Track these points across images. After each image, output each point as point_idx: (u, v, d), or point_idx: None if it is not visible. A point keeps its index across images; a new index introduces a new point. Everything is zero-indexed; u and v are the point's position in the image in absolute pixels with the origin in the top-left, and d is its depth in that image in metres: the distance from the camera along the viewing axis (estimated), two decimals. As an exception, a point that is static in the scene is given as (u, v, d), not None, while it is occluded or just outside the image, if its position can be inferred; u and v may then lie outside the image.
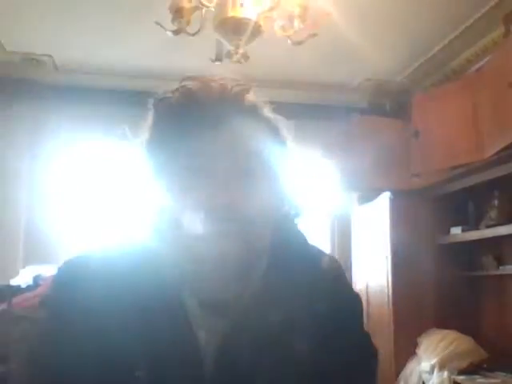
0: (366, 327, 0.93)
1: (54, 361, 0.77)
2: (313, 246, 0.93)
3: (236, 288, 0.79)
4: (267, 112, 0.86)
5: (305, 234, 0.92)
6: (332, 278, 0.89)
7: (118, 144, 3.99)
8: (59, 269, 0.84)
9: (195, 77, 0.85)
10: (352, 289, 0.95)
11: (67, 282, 0.82)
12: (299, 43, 2.82)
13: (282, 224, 0.86)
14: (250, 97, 0.85)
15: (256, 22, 2.64)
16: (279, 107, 0.88)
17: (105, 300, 0.77)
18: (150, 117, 0.84)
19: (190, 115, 0.79)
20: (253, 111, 0.84)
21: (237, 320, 0.80)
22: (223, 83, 0.83)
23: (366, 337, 0.92)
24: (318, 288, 0.84)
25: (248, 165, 0.80)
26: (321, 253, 0.92)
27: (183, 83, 0.83)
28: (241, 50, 2.68)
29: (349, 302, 0.90)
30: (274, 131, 0.86)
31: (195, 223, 0.75)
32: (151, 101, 0.84)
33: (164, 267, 0.79)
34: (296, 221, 0.91)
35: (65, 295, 0.81)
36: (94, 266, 0.81)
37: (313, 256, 0.90)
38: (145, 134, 0.83)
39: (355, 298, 0.93)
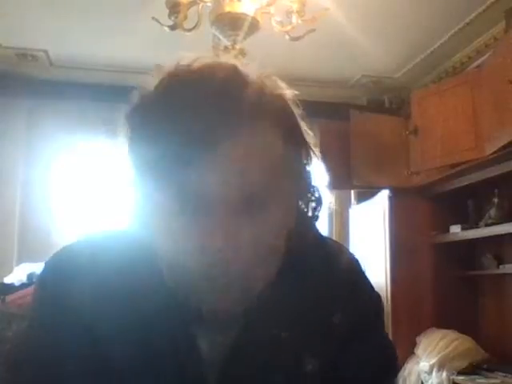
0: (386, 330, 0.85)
1: (34, 370, 0.70)
2: (329, 245, 0.83)
3: (240, 300, 0.69)
4: (284, 107, 0.70)
5: (320, 231, 0.82)
6: (350, 282, 0.80)
7: (111, 141, 3.96)
8: (46, 265, 0.74)
9: (175, 69, 0.66)
10: (371, 293, 0.84)
11: (55, 282, 0.72)
12: (297, 39, 2.81)
13: (298, 226, 0.73)
14: (270, 89, 0.67)
15: (253, 18, 2.63)
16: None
17: (97, 303, 0.69)
18: (124, 126, 0.68)
19: (173, 124, 0.61)
20: (263, 109, 0.65)
21: (242, 333, 0.72)
22: (221, 77, 0.64)
23: (388, 348, 0.84)
24: (333, 296, 0.76)
25: (257, 189, 0.63)
26: (338, 252, 0.82)
27: (163, 79, 0.65)
28: (238, 46, 2.66)
29: (367, 311, 0.80)
30: (291, 130, 0.72)
31: (186, 254, 0.64)
32: (124, 106, 0.68)
33: (162, 271, 0.69)
34: (314, 217, 0.79)
35: (52, 298, 0.72)
36: (86, 263, 0.72)
37: (329, 258, 0.79)
38: (122, 147, 0.68)
39: (374, 303, 0.84)
